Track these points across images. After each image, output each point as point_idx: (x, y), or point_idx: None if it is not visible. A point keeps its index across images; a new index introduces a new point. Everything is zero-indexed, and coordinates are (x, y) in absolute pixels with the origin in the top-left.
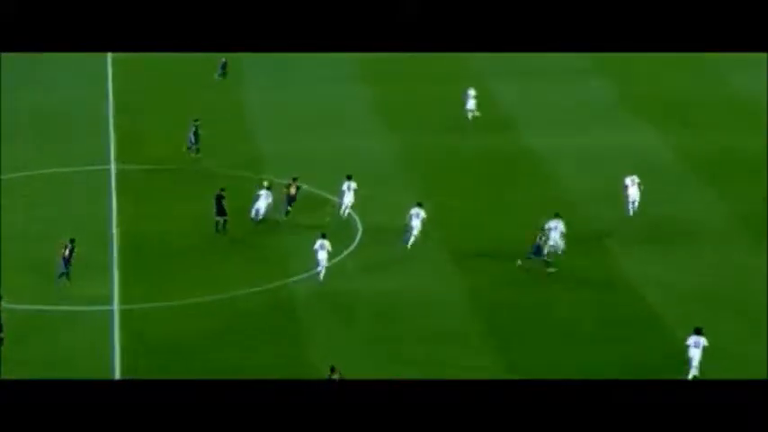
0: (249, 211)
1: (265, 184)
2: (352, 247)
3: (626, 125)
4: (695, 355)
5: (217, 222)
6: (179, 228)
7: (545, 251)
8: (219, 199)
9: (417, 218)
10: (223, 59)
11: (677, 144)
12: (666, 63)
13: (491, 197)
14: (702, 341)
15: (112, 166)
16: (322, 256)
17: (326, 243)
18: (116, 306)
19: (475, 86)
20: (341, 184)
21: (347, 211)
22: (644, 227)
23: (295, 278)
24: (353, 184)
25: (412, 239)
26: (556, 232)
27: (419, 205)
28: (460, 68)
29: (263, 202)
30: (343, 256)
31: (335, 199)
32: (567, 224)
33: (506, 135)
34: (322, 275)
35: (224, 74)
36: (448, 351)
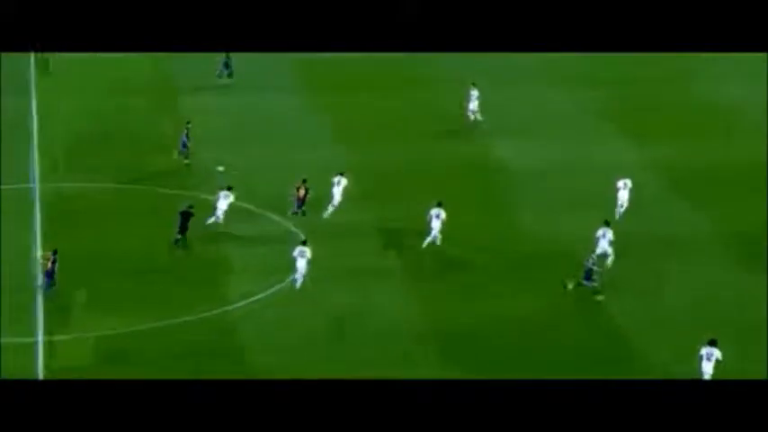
0: (209, 218)
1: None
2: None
3: (599, 134)
4: (707, 368)
5: (177, 239)
6: (121, 249)
7: (594, 275)
8: (186, 215)
9: (438, 218)
10: (224, 58)
11: (652, 154)
12: (640, 68)
13: (458, 206)
14: (716, 353)
15: (36, 184)
16: (301, 263)
17: (306, 250)
18: (41, 336)
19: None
20: (331, 180)
21: (331, 209)
22: (620, 239)
23: (243, 302)
24: (344, 180)
25: (430, 239)
26: (604, 240)
27: (439, 205)
28: (426, 73)
29: (222, 204)
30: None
31: (274, 216)
32: (536, 239)
33: (472, 144)
34: (299, 283)
35: (227, 73)
36: (408, 365)
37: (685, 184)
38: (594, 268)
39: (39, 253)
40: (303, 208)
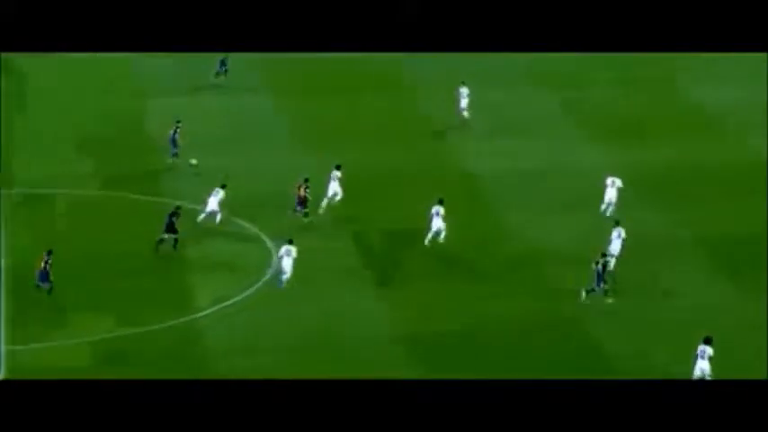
0: (200, 212)
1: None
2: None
3: (597, 134)
4: (703, 366)
5: (160, 239)
6: (113, 252)
7: (604, 278)
8: (172, 216)
9: (438, 216)
10: (222, 57)
11: (650, 155)
12: (639, 68)
13: (451, 207)
14: (708, 350)
15: None
16: (287, 263)
17: (293, 249)
18: (2, 345)
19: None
20: (328, 174)
21: (328, 202)
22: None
23: (207, 311)
24: (338, 174)
25: (430, 236)
26: (618, 241)
27: (440, 203)
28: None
29: (213, 202)
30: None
31: (248, 224)
32: (530, 239)
33: (467, 144)
34: (284, 282)
35: (224, 72)
36: (404, 365)
37: (684, 184)
38: (609, 269)
39: (3, 261)
40: (306, 209)
